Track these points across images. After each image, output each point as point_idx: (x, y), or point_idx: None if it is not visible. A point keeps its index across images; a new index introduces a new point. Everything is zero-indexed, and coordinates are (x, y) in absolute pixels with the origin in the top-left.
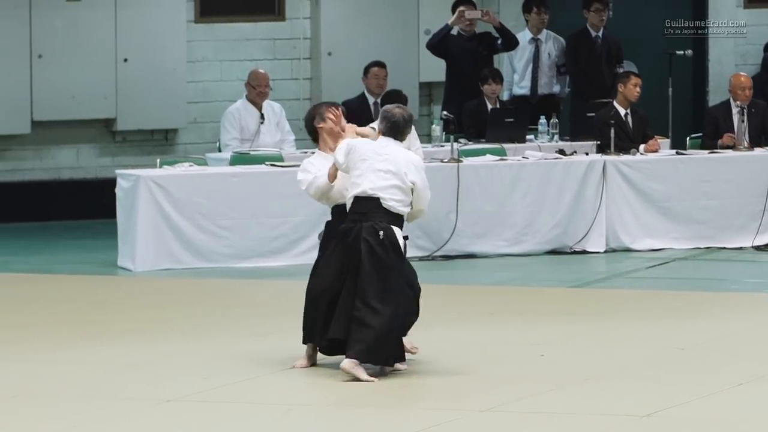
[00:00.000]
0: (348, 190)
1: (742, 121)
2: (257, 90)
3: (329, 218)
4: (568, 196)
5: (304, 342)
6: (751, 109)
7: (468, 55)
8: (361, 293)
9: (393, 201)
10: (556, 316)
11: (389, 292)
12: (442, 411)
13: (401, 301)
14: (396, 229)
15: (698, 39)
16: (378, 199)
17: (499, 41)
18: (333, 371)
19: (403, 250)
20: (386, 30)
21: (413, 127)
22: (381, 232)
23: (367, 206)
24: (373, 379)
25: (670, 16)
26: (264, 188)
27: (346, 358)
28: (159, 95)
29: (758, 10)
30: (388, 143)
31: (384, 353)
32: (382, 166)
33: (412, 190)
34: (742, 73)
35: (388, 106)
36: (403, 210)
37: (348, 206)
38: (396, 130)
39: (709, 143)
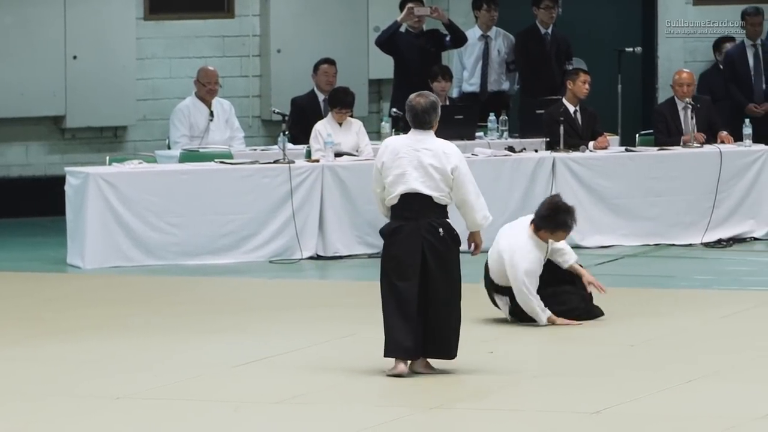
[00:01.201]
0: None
1: (692, 118)
2: (207, 87)
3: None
4: (518, 192)
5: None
6: (696, 105)
7: (416, 52)
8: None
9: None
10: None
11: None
12: (390, 408)
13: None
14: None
15: (647, 36)
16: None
17: (448, 38)
18: (281, 369)
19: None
20: (336, 27)
21: (361, 124)
22: (440, 229)
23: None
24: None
25: (620, 14)
26: (213, 185)
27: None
28: (108, 92)
29: (707, 6)
30: (419, 135)
31: None
32: (424, 159)
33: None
34: (684, 70)
35: (411, 96)
36: (447, 201)
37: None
38: (417, 120)
39: (664, 140)
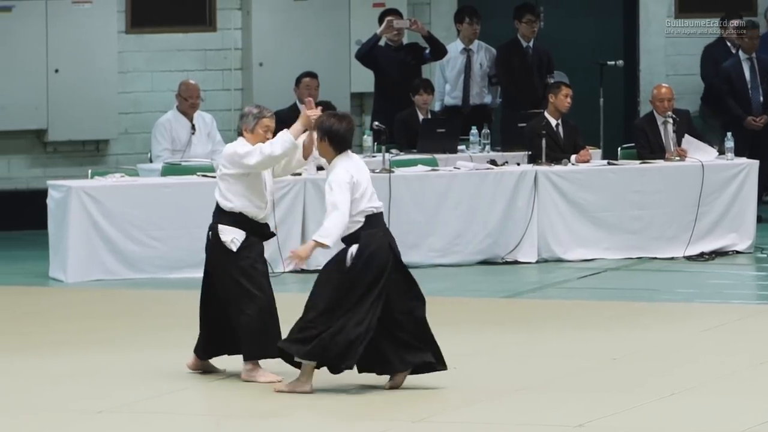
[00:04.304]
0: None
1: (674, 131)
2: (189, 101)
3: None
4: (500, 206)
5: None
6: (676, 119)
7: (396, 65)
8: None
9: None
10: (488, 326)
11: None
12: (373, 422)
13: None
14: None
15: (629, 49)
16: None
17: (427, 51)
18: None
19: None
20: (317, 41)
21: None
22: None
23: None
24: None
25: (602, 27)
26: (195, 199)
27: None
28: (90, 106)
29: (689, 20)
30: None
31: None
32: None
33: None
34: (663, 85)
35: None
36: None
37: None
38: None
39: (647, 156)
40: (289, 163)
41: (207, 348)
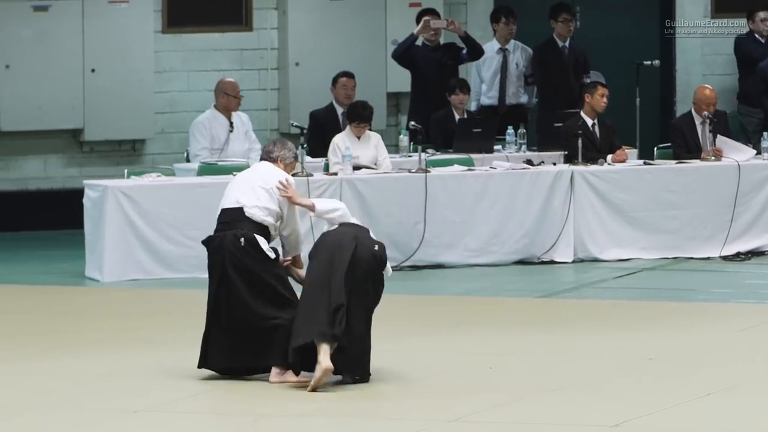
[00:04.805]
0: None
1: (710, 131)
2: (233, 98)
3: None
4: (536, 206)
5: None
6: (714, 119)
7: (433, 65)
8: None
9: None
10: (524, 326)
11: None
12: (408, 421)
13: None
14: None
15: (665, 49)
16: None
17: (464, 51)
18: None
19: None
20: (354, 40)
21: (380, 137)
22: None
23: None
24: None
25: (638, 27)
26: None
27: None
28: (126, 105)
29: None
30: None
31: None
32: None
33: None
34: (707, 86)
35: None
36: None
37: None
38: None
39: (683, 155)
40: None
41: (222, 357)
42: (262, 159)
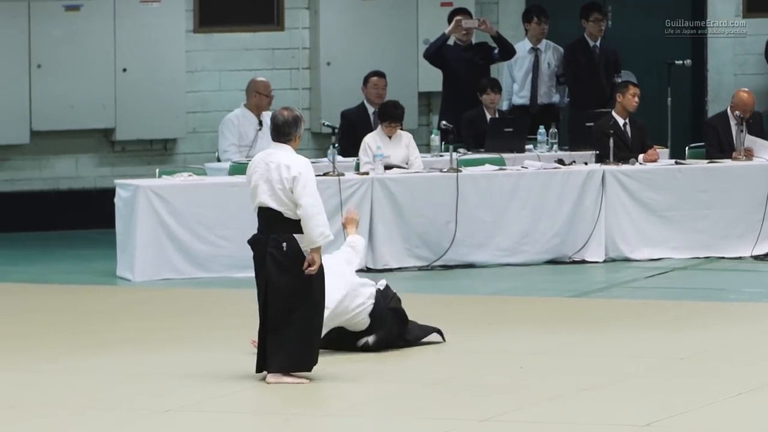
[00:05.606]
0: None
1: (741, 131)
2: (267, 98)
3: None
4: (567, 205)
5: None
6: (749, 120)
7: (464, 64)
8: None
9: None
10: (555, 325)
11: None
12: (440, 421)
13: None
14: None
15: (697, 49)
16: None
17: (496, 51)
18: (330, 380)
19: None
20: (385, 40)
21: (411, 136)
22: (284, 244)
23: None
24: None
25: (669, 26)
26: None
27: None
28: (158, 105)
29: (757, 19)
30: (274, 149)
31: None
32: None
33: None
34: (745, 90)
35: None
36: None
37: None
38: (276, 132)
39: (716, 155)
40: None
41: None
42: (275, 140)
